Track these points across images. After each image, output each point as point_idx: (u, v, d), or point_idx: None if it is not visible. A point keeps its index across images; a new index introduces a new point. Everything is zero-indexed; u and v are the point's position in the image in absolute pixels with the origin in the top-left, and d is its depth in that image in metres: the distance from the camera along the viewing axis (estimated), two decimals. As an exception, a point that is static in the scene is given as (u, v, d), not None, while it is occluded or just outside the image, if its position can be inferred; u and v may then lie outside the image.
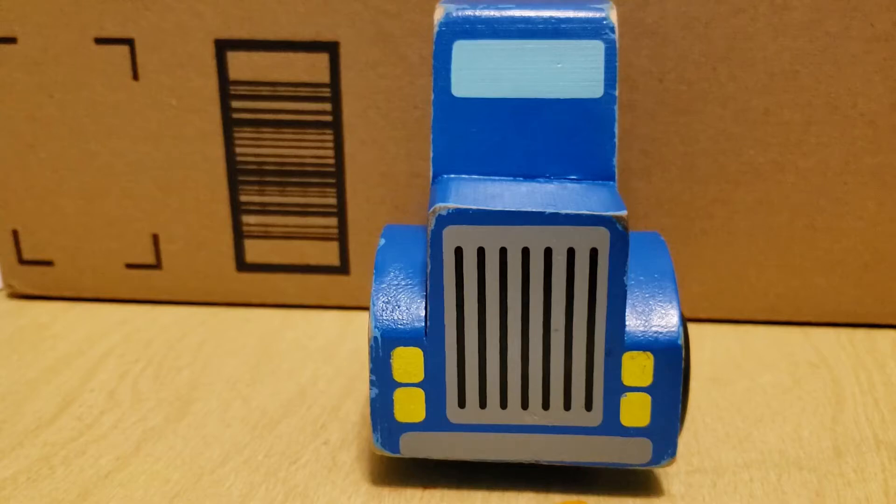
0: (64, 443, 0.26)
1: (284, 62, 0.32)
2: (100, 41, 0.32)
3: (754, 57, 0.30)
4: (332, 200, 0.33)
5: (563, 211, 0.21)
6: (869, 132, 0.31)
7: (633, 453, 0.23)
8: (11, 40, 0.32)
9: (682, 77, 0.31)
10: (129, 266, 0.35)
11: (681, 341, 0.23)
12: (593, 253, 0.22)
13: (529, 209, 0.21)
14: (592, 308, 0.22)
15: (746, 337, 0.33)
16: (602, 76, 0.24)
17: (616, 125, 0.24)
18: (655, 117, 0.31)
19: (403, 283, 0.23)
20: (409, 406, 0.23)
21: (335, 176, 0.33)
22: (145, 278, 0.35)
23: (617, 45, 0.24)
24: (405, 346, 0.23)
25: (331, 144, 0.33)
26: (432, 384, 0.23)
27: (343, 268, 0.34)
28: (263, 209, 0.34)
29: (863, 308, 0.33)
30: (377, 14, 0.31)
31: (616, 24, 0.24)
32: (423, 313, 0.23)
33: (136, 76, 0.32)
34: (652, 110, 0.31)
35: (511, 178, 0.24)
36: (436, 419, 0.23)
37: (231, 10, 0.31)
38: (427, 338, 0.23)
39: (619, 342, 0.22)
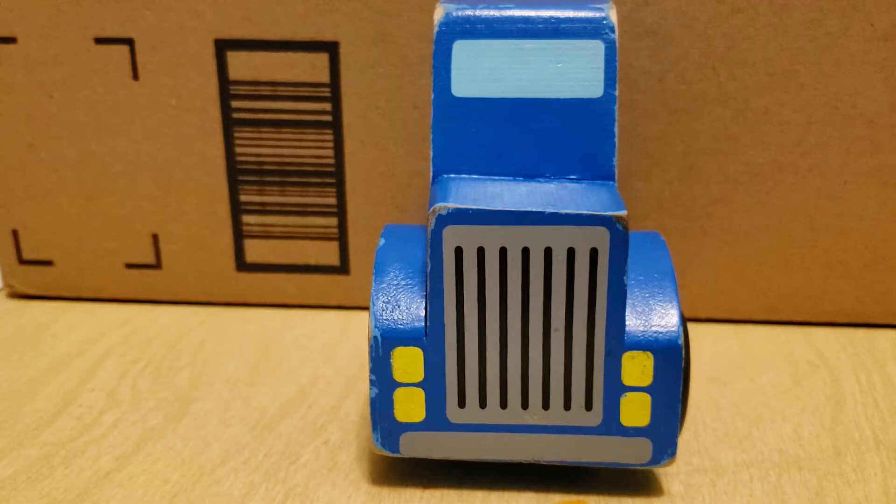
0: (64, 443, 0.26)
1: (284, 62, 0.32)
2: (100, 41, 0.32)
3: (754, 57, 0.30)
4: (332, 200, 0.33)
5: (563, 211, 0.21)
6: (869, 132, 0.31)
7: (633, 453, 0.23)
8: (11, 40, 0.32)
9: (682, 77, 0.31)
10: (129, 266, 0.35)
11: (681, 341, 0.23)
12: (593, 253, 0.22)
13: (529, 209, 0.21)
14: (592, 308, 0.22)
15: (746, 337, 0.33)
16: (602, 76, 0.24)
17: (616, 125, 0.24)
18: (655, 117, 0.31)
19: (403, 283, 0.23)
20: (409, 406, 0.23)
21: (335, 176, 0.33)
22: (145, 278, 0.35)
23: (617, 45, 0.24)
24: (405, 345, 0.23)
25: (331, 144, 0.33)
26: (432, 384, 0.23)
27: (343, 268, 0.34)
28: (263, 209, 0.34)
29: (863, 308, 0.33)
30: (377, 14, 0.31)
31: (616, 24, 0.24)
32: (423, 313, 0.23)
33: (135, 76, 0.32)
34: (652, 110, 0.31)
35: (511, 178, 0.24)
36: (436, 419, 0.23)
37: (231, 10, 0.31)
38: (427, 338, 0.23)
39: (619, 342, 0.22)
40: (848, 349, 0.32)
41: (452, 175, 0.24)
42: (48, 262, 0.35)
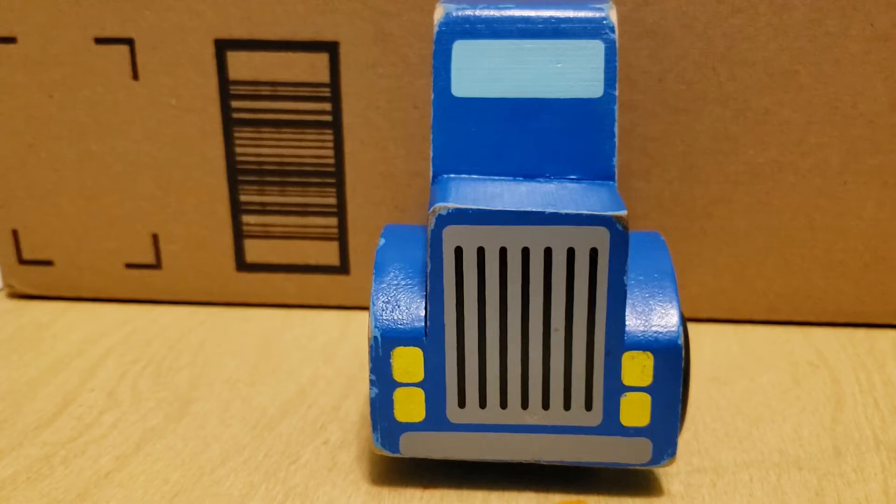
0: (64, 443, 0.26)
1: (284, 62, 0.32)
2: (100, 41, 0.32)
3: (754, 57, 0.30)
4: (332, 200, 0.33)
5: (563, 211, 0.21)
6: (869, 132, 0.31)
7: (633, 453, 0.23)
8: (11, 40, 0.32)
9: (682, 77, 0.31)
10: (129, 266, 0.35)
11: (681, 341, 0.23)
12: (593, 253, 0.22)
13: (529, 209, 0.21)
14: (592, 308, 0.22)
15: (746, 337, 0.33)
16: (602, 76, 0.24)
17: (616, 125, 0.24)
18: (655, 117, 0.31)
19: (403, 283, 0.23)
20: (409, 406, 0.23)
21: (335, 176, 0.33)
22: (145, 278, 0.35)
23: (617, 45, 0.24)
24: (405, 345, 0.23)
25: (331, 144, 0.33)
26: (432, 384, 0.23)
27: (343, 268, 0.34)
28: (263, 209, 0.34)
29: (863, 308, 0.33)
30: (377, 14, 0.31)
31: (616, 24, 0.24)
32: (423, 313, 0.23)
33: (135, 76, 0.32)
34: (652, 110, 0.31)
35: (511, 178, 0.24)
36: (436, 419, 0.23)
37: (231, 10, 0.31)
38: (427, 338, 0.23)
39: (619, 342, 0.22)
40: (848, 349, 0.32)
41: (452, 175, 0.24)
42: (48, 262, 0.35)
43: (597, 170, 0.24)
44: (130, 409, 0.28)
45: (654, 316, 0.23)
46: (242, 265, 0.35)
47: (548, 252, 0.22)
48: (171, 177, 0.34)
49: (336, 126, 0.32)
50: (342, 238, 0.34)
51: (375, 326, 0.23)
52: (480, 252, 0.22)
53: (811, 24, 0.30)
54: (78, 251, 0.35)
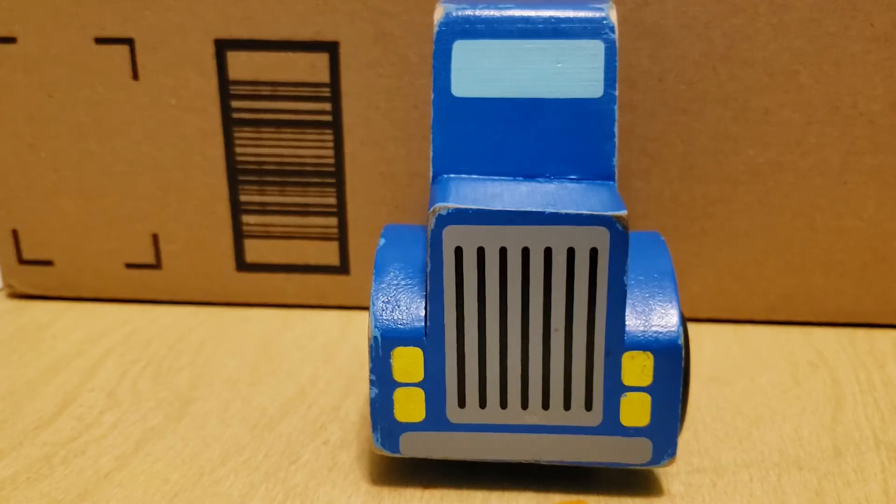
0: (64, 443, 0.26)
1: (284, 62, 0.32)
2: (100, 41, 0.32)
3: (754, 57, 0.30)
4: (332, 200, 0.33)
5: (563, 211, 0.21)
6: (869, 132, 0.31)
7: (633, 453, 0.23)
8: (11, 40, 0.32)
9: (682, 77, 0.31)
10: (129, 266, 0.35)
11: (681, 341, 0.23)
12: (593, 253, 0.22)
13: (529, 209, 0.22)
14: (592, 308, 0.22)
15: (746, 337, 0.33)
16: (602, 76, 0.24)
17: (616, 125, 0.24)
18: (655, 117, 0.31)
19: (403, 282, 0.23)
20: (409, 406, 0.23)
21: (335, 176, 0.33)
22: (145, 278, 0.35)
23: (617, 45, 0.24)
24: (405, 345, 0.23)
25: (331, 144, 0.33)
26: (432, 384, 0.23)
27: (343, 268, 0.34)
28: (263, 209, 0.34)
29: (863, 308, 0.33)
30: (377, 14, 0.31)
31: (616, 24, 0.24)
32: (423, 313, 0.23)
33: (135, 76, 0.32)
34: (652, 110, 0.31)
35: (511, 178, 0.24)
36: (436, 419, 0.23)
37: (231, 10, 0.31)
38: (427, 338, 0.23)
39: (619, 342, 0.22)
40: (848, 349, 0.32)
41: (452, 175, 0.24)
42: (48, 262, 0.35)
43: (597, 170, 0.24)
44: (130, 409, 0.28)
45: (654, 316, 0.23)
46: (242, 265, 0.35)
47: (548, 252, 0.22)
48: (171, 177, 0.34)
49: (336, 126, 0.32)
50: (342, 238, 0.34)
51: (375, 326, 0.23)
52: (480, 252, 0.22)
53: (811, 24, 0.30)
54: (78, 251, 0.35)
